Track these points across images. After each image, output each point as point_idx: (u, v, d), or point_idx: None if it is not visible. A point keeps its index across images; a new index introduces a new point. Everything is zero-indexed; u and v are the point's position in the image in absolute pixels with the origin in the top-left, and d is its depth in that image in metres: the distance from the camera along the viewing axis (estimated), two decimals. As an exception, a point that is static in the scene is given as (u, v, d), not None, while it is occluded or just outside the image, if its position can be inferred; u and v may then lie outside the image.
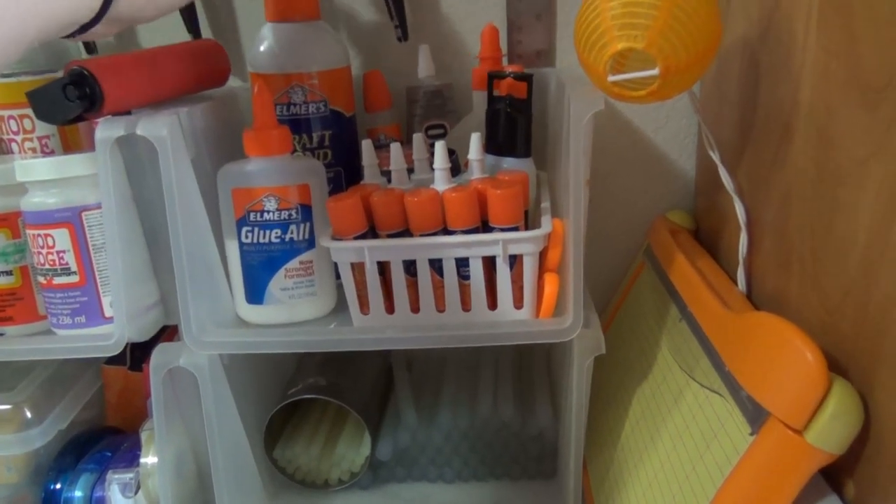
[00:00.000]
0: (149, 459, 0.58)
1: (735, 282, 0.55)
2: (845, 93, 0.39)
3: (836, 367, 0.40)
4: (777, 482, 0.37)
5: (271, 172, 0.53)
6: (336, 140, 0.61)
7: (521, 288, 0.51)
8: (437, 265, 0.50)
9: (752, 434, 0.38)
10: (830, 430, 0.35)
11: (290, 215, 0.53)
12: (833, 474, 0.40)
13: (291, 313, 0.55)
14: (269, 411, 0.62)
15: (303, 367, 0.68)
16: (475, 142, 0.53)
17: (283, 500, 0.64)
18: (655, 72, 0.44)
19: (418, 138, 0.54)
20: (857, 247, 0.38)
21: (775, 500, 0.37)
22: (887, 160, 0.35)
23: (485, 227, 0.51)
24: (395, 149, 0.53)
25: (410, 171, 0.56)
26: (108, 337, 0.51)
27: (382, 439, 0.64)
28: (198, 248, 0.52)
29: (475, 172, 0.53)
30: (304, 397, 0.62)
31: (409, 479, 0.66)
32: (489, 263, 0.50)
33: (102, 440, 0.64)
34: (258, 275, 0.54)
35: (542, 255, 0.51)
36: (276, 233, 0.53)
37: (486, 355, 0.74)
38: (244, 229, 0.53)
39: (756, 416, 0.38)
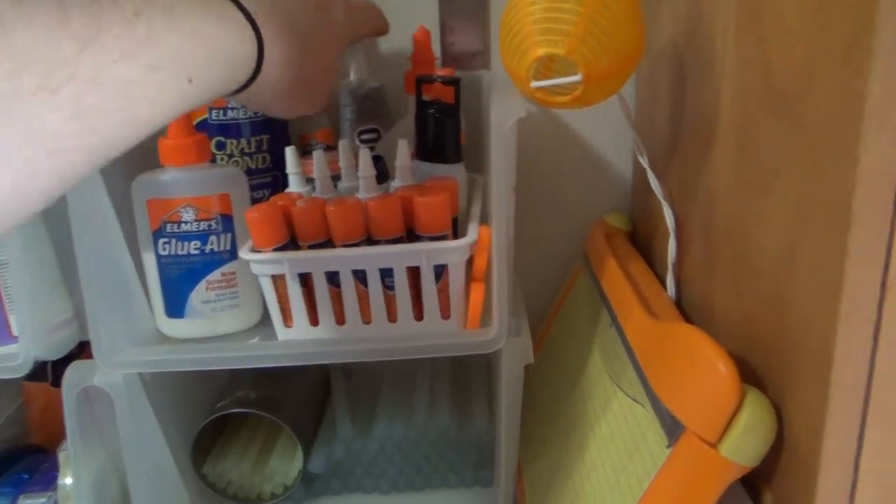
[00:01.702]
0: (66, 481, 0.56)
1: (665, 287, 0.55)
2: (761, 102, 0.39)
3: (754, 376, 0.40)
4: (692, 495, 0.37)
5: (188, 182, 0.51)
6: (274, 144, 0.59)
7: (448, 298, 0.50)
8: (361, 276, 0.49)
9: (668, 447, 0.38)
10: (743, 444, 0.35)
11: (209, 226, 0.51)
12: (752, 484, 0.40)
13: (214, 326, 0.53)
14: (198, 425, 0.60)
15: (235, 379, 0.66)
16: (402, 148, 0.52)
17: (213, 517, 0.62)
18: (578, 78, 0.43)
19: (344, 145, 0.53)
20: (771, 257, 0.38)
21: (692, 514, 0.37)
22: (797, 171, 0.35)
23: (411, 236, 0.50)
24: (318, 156, 0.52)
25: (339, 178, 0.54)
26: (15, 357, 0.49)
27: (316, 452, 0.63)
28: (109, 262, 0.49)
29: (402, 179, 0.52)
30: (233, 412, 0.60)
31: (345, 491, 0.64)
32: (415, 273, 0.49)
33: (22, 460, 0.61)
34: (178, 288, 0.52)
35: (471, 264, 0.50)
36: (196, 244, 0.51)
37: (424, 361, 0.73)
38: (161, 241, 0.51)
39: (673, 428, 0.38)
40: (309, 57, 0.42)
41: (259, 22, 0.36)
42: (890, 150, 0.29)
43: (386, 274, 0.49)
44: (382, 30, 0.55)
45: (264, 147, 0.60)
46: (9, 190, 0.23)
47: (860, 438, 0.33)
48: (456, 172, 0.55)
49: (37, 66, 0.23)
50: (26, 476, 0.58)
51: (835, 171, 0.31)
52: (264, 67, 0.37)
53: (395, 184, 0.52)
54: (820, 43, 0.32)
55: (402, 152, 0.52)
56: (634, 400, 0.44)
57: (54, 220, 0.50)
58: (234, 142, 0.58)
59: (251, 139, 0.59)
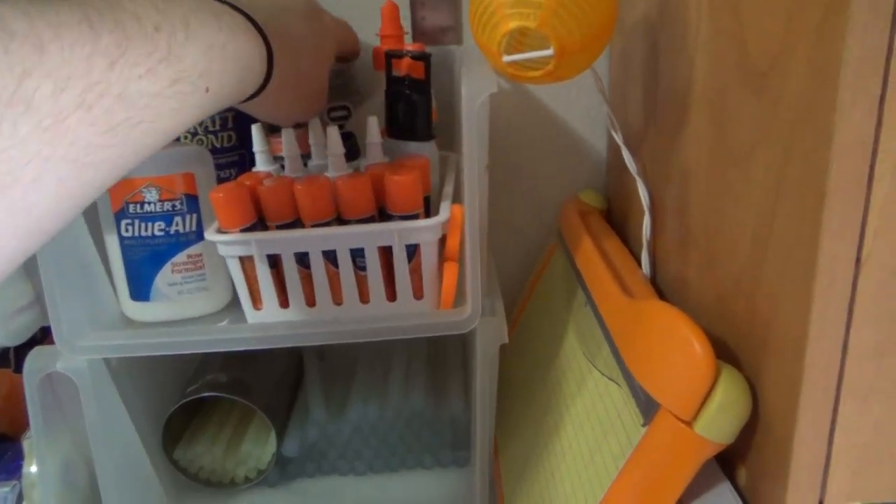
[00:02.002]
0: (31, 469, 0.54)
1: (640, 265, 0.54)
2: (735, 76, 0.38)
3: (729, 354, 0.40)
4: (667, 473, 0.36)
5: (151, 161, 0.47)
6: (240, 122, 0.57)
7: (421, 278, 0.49)
8: (331, 256, 0.48)
9: (643, 425, 0.37)
10: (718, 421, 0.35)
11: (174, 206, 0.50)
12: (726, 460, 0.40)
13: (181, 309, 0.52)
14: (168, 410, 0.59)
15: (205, 362, 0.65)
16: (372, 125, 0.50)
17: (186, 502, 0.61)
18: (550, 52, 0.42)
19: (315, 122, 0.52)
20: (746, 234, 0.37)
21: (666, 491, 0.37)
22: (772, 146, 0.34)
23: (383, 216, 0.49)
24: (287, 134, 0.50)
25: (309, 156, 0.53)
26: (-28, 343, 0.47)
27: (289, 435, 0.62)
28: (69, 244, 0.48)
29: (373, 157, 0.51)
30: (203, 396, 0.59)
31: (319, 473, 0.64)
32: (387, 253, 0.48)
33: (-15, 449, 0.60)
34: (142, 270, 0.51)
35: (443, 243, 0.49)
36: (160, 225, 0.50)
37: (399, 342, 0.73)
38: (123, 222, 0.49)
39: (648, 407, 0.37)
40: (307, 66, 0.44)
41: (268, 33, 0.38)
42: (864, 124, 0.28)
43: (357, 254, 0.48)
44: (356, 52, 0.58)
45: (229, 125, 0.58)
46: (51, 203, 0.24)
47: (834, 414, 0.33)
48: (427, 150, 0.54)
49: (74, 85, 0.24)
50: (-10, 465, 0.56)
51: (810, 145, 0.30)
52: (273, 77, 0.39)
53: (366, 162, 0.51)
54: (794, 17, 0.31)
55: (373, 129, 0.50)
56: (610, 378, 0.44)
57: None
58: None
59: (215, 117, 0.57)
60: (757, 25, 0.35)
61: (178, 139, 0.55)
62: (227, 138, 0.58)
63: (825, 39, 0.29)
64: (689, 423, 0.35)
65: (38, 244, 0.25)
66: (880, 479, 0.34)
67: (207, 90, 0.31)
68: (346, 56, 0.56)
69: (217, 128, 0.58)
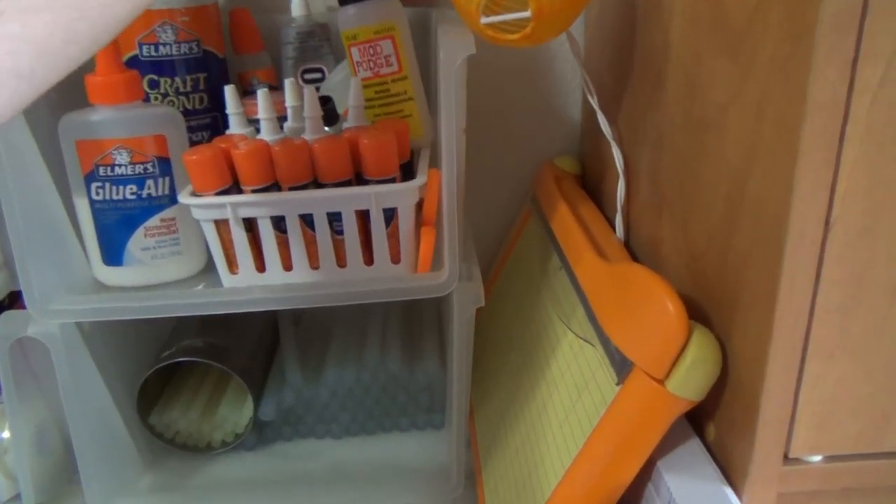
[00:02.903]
0: (3, 434, 0.54)
1: (614, 229, 0.55)
2: (710, 36, 0.38)
3: (700, 313, 0.41)
4: (640, 430, 0.37)
5: (120, 122, 0.48)
6: (211, 83, 0.56)
7: (399, 241, 0.49)
8: (308, 220, 0.48)
9: (618, 384, 0.38)
10: (689, 379, 0.36)
11: (145, 169, 0.49)
12: (695, 417, 0.41)
13: (155, 274, 0.52)
14: (143, 376, 0.59)
15: (180, 327, 0.65)
16: (356, 87, 0.50)
17: (162, 467, 0.61)
18: (528, 14, 0.42)
19: (290, 84, 0.51)
20: (719, 194, 0.38)
21: (639, 447, 0.38)
22: (745, 107, 0.34)
23: (360, 181, 0.49)
24: (263, 95, 0.49)
25: (284, 119, 0.52)
26: (-61, 308, 0.46)
27: (266, 399, 0.62)
28: (38, 207, 0.47)
29: (355, 120, 0.50)
30: (178, 361, 0.59)
31: (296, 436, 0.64)
32: (364, 217, 0.48)
33: (-45, 416, 0.59)
34: (114, 234, 0.50)
35: (421, 207, 0.49)
36: (132, 188, 0.49)
37: (375, 305, 0.73)
38: (94, 185, 0.49)
39: (622, 366, 0.38)
40: None
41: None
42: (838, 83, 0.29)
43: (334, 218, 0.48)
44: None
45: (201, 86, 0.57)
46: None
47: (800, 370, 0.34)
48: (403, 113, 0.54)
49: None
50: (-39, 431, 0.56)
51: (784, 104, 0.31)
52: None
53: (348, 125, 0.50)
54: (772, -24, 0.31)
55: (356, 92, 0.50)
56: (584, 340, 0.45)
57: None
58: (168, 80, 0.55)
59: (186, 77, 0.56)
60: (734, -13, 0.35)
61: (146, 99, 0.54)
62: (198, 100, 0.57)
63: (801, -1, 0.29)
64: (661, 382, 0.36)
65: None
66: (841, 432, 0.35)
67: None
68: None
69: (188, 89, 0.56)
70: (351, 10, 0.52)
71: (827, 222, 0.31)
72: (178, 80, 0.56)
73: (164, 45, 0.55)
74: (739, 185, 0.36)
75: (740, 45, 0.35)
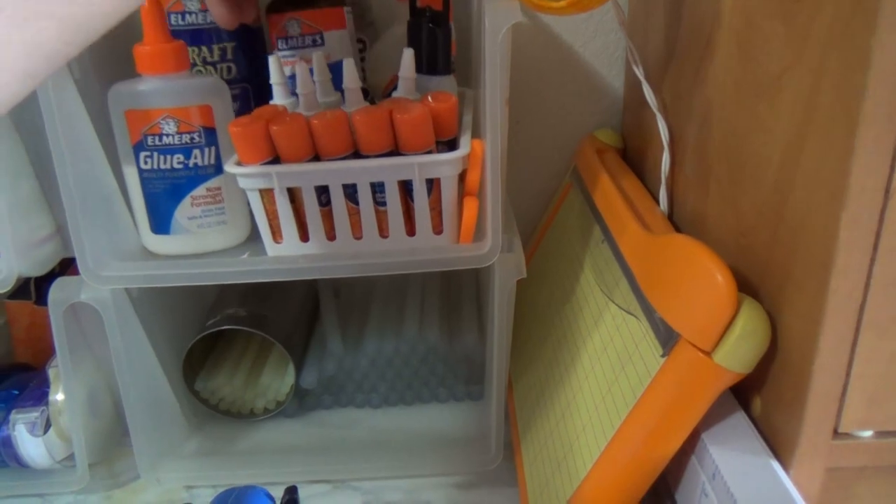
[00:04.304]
0: (58, 397, 0.56)
1: (658, 202, 0.54)
2: (765, 2, 0.37)
3: (748, 286, 0.40)
4: (686, 402, 0.37)
5: (168, 92, 0.48)
6: (240, 53, 0.56)
7: (441, 212, 0.49)
8: (350, 192, 0.48)
9: (663, 356, 0.38)
10: (737, 351, 0.35)
11: (192, 139, 0.50)
12: (741, 391, 0.41)
13: (201, 243, 0.52)
14: (189, 342, 0.60)
15: (223, 295, 0.66)
16: (407, 58, 0.49)
17: (207, 432, 0.63)
18: (576, -20, 0.41)
19: (318, 56, 0.50)
20: (771, 165, 0.37)
21: (684, 420, 0.38)
22: (801, 74, 0.34)
23: (397, 153, 0.49)
24: (302, 69, 0.49)
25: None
26: (-3, 273, 0.48)
27: (307, 368, 0.63)
28: (90, 176, 0.48)
29: (405, 91, 0.50)
30: (223, 328, 0.60)
31: (336, 405, 0.65)
32: (406, 188, 0.48)
33: (9, 378, 0.61)
34: (162, 203, 0.51)
35: (463, 178, 0.49)
36: (179, 158, 0.50)
37: (414, 277, 0.73)
38: (142, 155, 0.49)
39: (667, 338, 0.38)
40: None
41: None
42: (904, 50, 0.28)
43: (377, 189, 0.48)
44: None
45: (229, 56, 0.56)
46: None
47: (853, 344, 0.33)
48: (446, 84, 0.54)
49: None
50: (16, 392, 0.58)
51: (843, 72, 0.30)
52: None
53: (397, 94, 0.50)
54: (836, -63, 0.30)
55: (407, 63, 0.49)
56: (628, 312, 0.44)
57: (30, 131, 0.48)
58: (195, 49, 0.55)
59: (213, 47, 0.55)
60: (793, -50, 0.34)
61: (192, 68, 0.55)
62: (226, 70, 0.57)
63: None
64: (708, 353, 0.36)
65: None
66: (894, 408, 0.35)
67: None
68: None
69: (216, 59, 0.56)
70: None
71: (887, 192, 0.30)
72: (204, 49, 0.55)
73: (191, 13, 0.54)
74: (793, 155, 0.35)
75: (797, 8, 0.34)
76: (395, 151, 0.47)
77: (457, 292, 0.73)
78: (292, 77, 0.52)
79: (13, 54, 0.23)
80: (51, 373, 0.57)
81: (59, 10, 0.23)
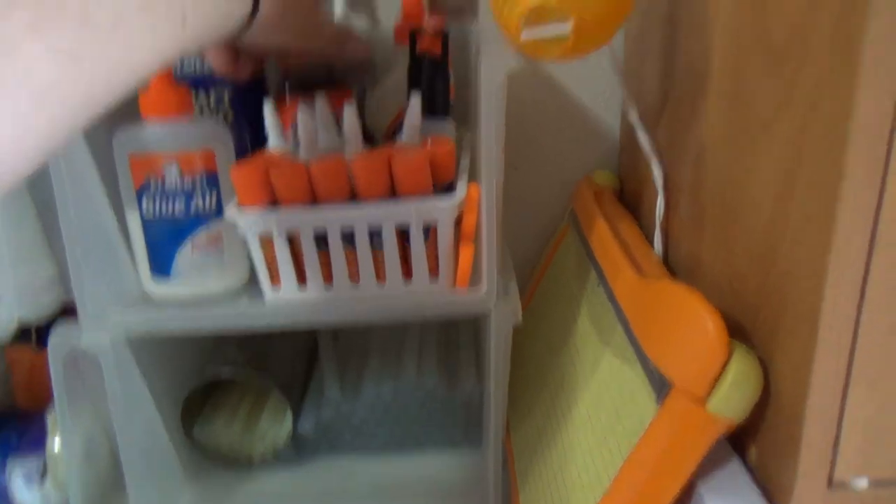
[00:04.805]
0: (55, 445, 0.56)
1: (653, 245, 0.55)
2: (753, 51, 0.38)
3: (741, 332, 0.40)
4: (680, 451, 0.37)
5: (171, 137, 0.49)
6: (238, 100, 0.57)
7: (437, 257, 0.49)
8: (348, 236, 0.48)
9: (657, 404, 0.38)
10: (730, 399, 0.35)
11: (194, 183, 0.50)
12: (737, 438, 0.40)
13: (201, 286, 0.53)
14: (187, 388, 0.60)
15: (222, 341, 0.66)
16: (413, 105, 0.50)
17: (204, 480, 0.63)
18: (569, 27, 0.42)
19: (321, 102, 0.52)
20: (762, 211, 0.38)
21: (679, 470, 0.37)
22: (790, 122, 0.34)
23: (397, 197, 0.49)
24: (303, 113, 0.50)
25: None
26: (-2, 318, 0.48)
27: (305, 413, 0.63)
28: (92, 221, 0.49)
29: (410, 137, 0.50)
30: (221, 374, 0.60)
31: (334, 451, 0.65)
32: (403, 232, 0.49)
33: (8, 425, 0.61)
34: (163, 247, 0.51)
35: (460, 222, 0.49)
36: (181, 202, 0.51)
37: (412, 321, 0.73)
38: (145, 199, 0.50)
39: (661, 386, 0.38)
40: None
41: None
42: (884, 103, 0.28)
43: (373, 233, 0.48)
44: None
45: (225, 102, 0.57)
46: (6, 135, 0.23)
47: (844, 392, 0.33)
48: (444, 127, 0.55)
49: (26, 4, 0.22)
50: (15, 439, 0.58)
51: (829, 120, 0.30)
52: (259, 13, 0.37)
53: (402, 139, 0.51)
54: (816, -9, 0.31)
55: (413, 110, 0.50)
56: (623, 358, 0.44)
57: (33, 175, 0.49)
58: (194, 95, 0.56)
59: (211, 93, 0.57)
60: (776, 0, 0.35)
61: (196, 113, 0.56)
62: (224, 117, 0.58)
63: (848, 12, 0.29)
64: (701, 402, 0.36)
65: (3, 180, 0.24)
66: (889, 456, 0.34)
67: (184, 21, 0.29)
68: None
69: (214, 105, 0.57)
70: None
71: (872, 239, 0.30)
72: (203, 95, 0.57)
73: (190, 60, 0.56)
74: (783, 203, 0.35)
75: (784, 60, 0.34)
76: (392, 196, 0.47)
77: (455, 335, 0.73)
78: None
79: (40, 117, 0.24)
80: (49, 420, 0.57)
81: (87, 79, 0.24)
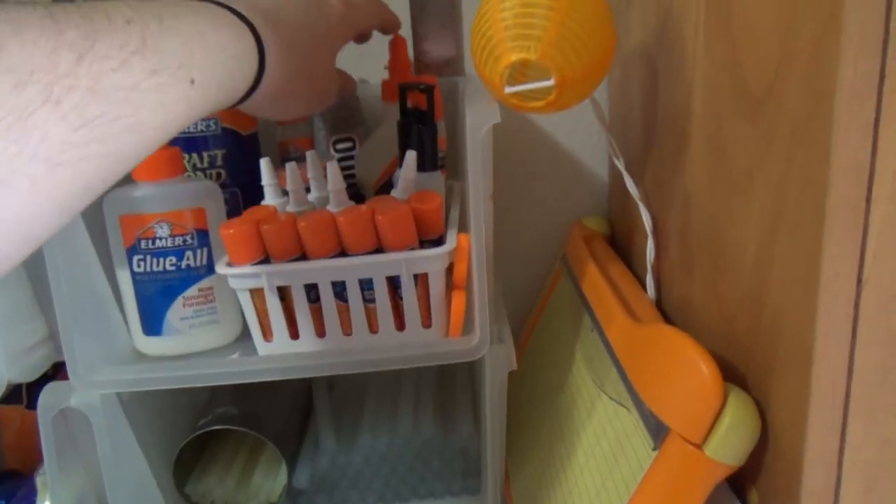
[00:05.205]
0: (45, 506, 0.55)
1: (645, 288, 0.55)
2: (731, 102, 0.39)
3: (735, 375, 0.40)
4: (680, 497, 0.37)
5: (162, 197, 0.50)
6: (230, 160, 0.58)
7: (430, 307, 0.50)
8: (339, 289, 0.49)
9: (654, 449, 0.38)
10: (728, 443, 0.35)
11: (185, 241, 0.51)
12: (737, 482, 0.40)
13: (193, 343, 0.53)
14: (179, 443, 0.59)
15: (215, 394, 0.65)
16: (408, 160, 0.50)
17: (197, 537, 0.61)
18: (551, 82, 0.43)
19: (312, 155, 0.52)
20: (748, 255, 0.38)
21: (679, 515, 0.37)
22: (770, 170, 0.35)
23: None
24: (291, 168, 0.51)
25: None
26: (-13, 381, 0.48)
27: (300, 467, 0.62)
28: (83, 280, 0.49)
29: (400, 191, 0.51)
30: (214, 428, 0.59)
31: (331, 504, 0.64)
32: (394, 283, 0.49)
33: (-2, 486, 0.60)
34: (154, 305, 0.51)
35: (451, 271, 0.49)
36: (171, 260, 0.51)
37: (407, 370, 0.73)
38: (135, 258, 0.50)
39: (657, 431, 0.38)
40: (310, 53, 0.42)
41: (256, 22, 0.36)
42: (860, 147, 0.29)
43: (365, 285, 0.49)
44: (391, 23, 0.54)
45: (218, 162, 0.58)
46: (21, 206, 0.23)
47: (843, 433, 0.33)
48: (434, 180, 0.55)
49: (38, 80, 0.23)
50: (4, 501, 0.56)
51: (807, 169, 0.31)
52: (267, 68, 0.37)
53: (396, 194, 0.51)
54: (788, 44, 0.32)
55: (409, 164, 0.50)
56: (619, 403, 0.44)
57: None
58: (186, 157, 0.56)
59: (204, 154, 0.58)
60: (752, 52, 0.36)
61: (185, 173, 0.56)
62: (215, 176, 0.59)
63: (819, 66, 0.30)
64: (699, 446, 0.36)
65: (21, 249, 0.24)
66: (890, 495, 0.34)
67: (192, 81, 0.29)
68: (380, 28, 0.53)
69: (205, 165, 0.58)
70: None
71: (859, 282, 0.31)
72: (195, 155, 0.57)
73: None
74: (767, 247, 0.36)
75: (761, 111, 0.35)
76: (379, 249, 0.48)
77: (451, 381, 0.72)
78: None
79: (55, 188, 0.24)
80: (38, 481, 0.56)
81: (99, 148, 0.25)
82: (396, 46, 0.62)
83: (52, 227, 0.25)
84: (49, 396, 0.50)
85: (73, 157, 0.24)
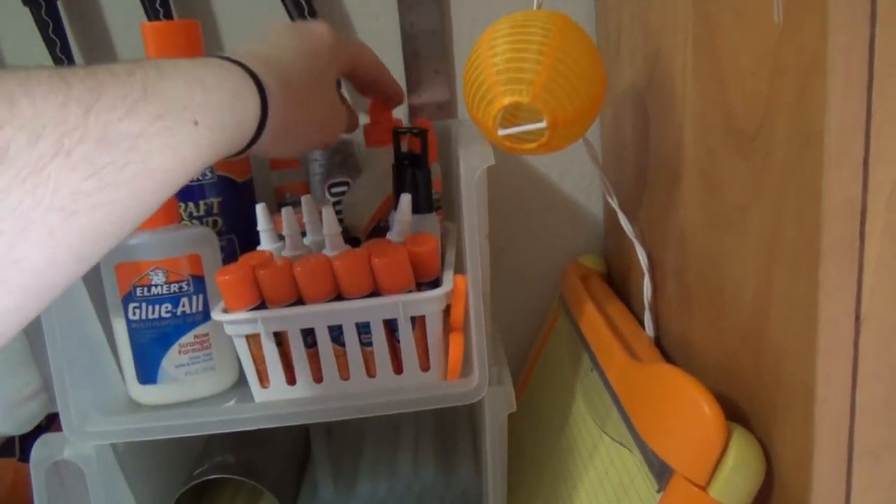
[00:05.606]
0: (37, 562, 0.53)
1: (644, 327, 0.55)
2: (723, 140, 0.39)
3: (738, 414, 0.40)
4: (686, 541, 0.36)
5: (158, 245, 0.50)
6: (227, 207, 0.58)
7: (427, 349, 0.49)
8: (336, 333, 0.48)
9: (658, 491, 0.37)
10: (733, 484, 0.35)
11: (180, 288, 0.50)
12: (744, 524, 0.39)
13: (189, 391, 0.52)
14: (175, 493, 0.58)
15: (211, 442, 0.65)
16: (404, 204, 0.51)
17: (193, 591, 0.60)
18: (543, 124, 0.44)
19: (307, 200, 0.53)
20: (746, 292, 0.38)
21: (686, 560, 0.36)
22: (763, 208, 0.35)
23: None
24: (287, 213, 0.51)
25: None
26: (-20, 434, 0.47)
27: (298, 515, 0.61)
28: (77, 330, 0.48)
29: (395, 234, 0.51)
30: (211, 478, 0.58)
31: (330, 554, 0.62)
32: (391, 327, 0.49)
33: (-11, 543, 0.59)
34: (150, 353, 0.51)
35: (448, 313, 0.49)
36: (167, 307, 0.50)
37: (407, 413, 0.72)
38: (131, 306, 0.50)
39: (661, 472, 0.37)
40: (309, 85, 0.43)
41: (250, 64, 0.37)
42: (851, 184, 0.29)
43: (362, 329, 0.48)
44: (395, 91, 0.57)
45: (214, 211, 0.58)
46: (44, 255, 0.24)
47: (849, 472, 0.32)
48: (429, 222, 0.55)
49: (49, 133, 0.24)
50: (-7, 560, 0.55)
51: (800, 206, 0.31)
52: (271, 104, 0.38)
53: (392, 237, 0.51)
54: (776, 83, 0.33)
55: (404, 208, 0.51)
56: (621, 444, 0.44)
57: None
58: (182, 206, 0.57)
59: (199, 203, 0.58)
60: (741, 92, 0.37)
61: (181, 220, 0.56)
62: (212, 224, 0.59)
63: (807, 104, 0.30)
64: (703, 488, 0.35)
65: (41, 300, 0.25)
66: (902, 537, 0.34)
67: (196, 123, 0.30)
68: (388, 98, 0.56)
69: (202, 213, 0.58)
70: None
71: (857, 318, 0.31)
72: (191, 204, 0.58)
73: None
74: (765, 284, 0.35)
75: (752, 149, 0.35)
76: (376, 292, 0.47)
77: (451, 424, 0.71)
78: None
79: (70, 236, 0.25)
80: (30, 535, 0.54)
81: (111, 195, 0.26)
82: (374, 110, 0.62)
83: (71, 277, 0.26)
84: (42, 449, 0.49)
85: (85, 206, 0.25)
